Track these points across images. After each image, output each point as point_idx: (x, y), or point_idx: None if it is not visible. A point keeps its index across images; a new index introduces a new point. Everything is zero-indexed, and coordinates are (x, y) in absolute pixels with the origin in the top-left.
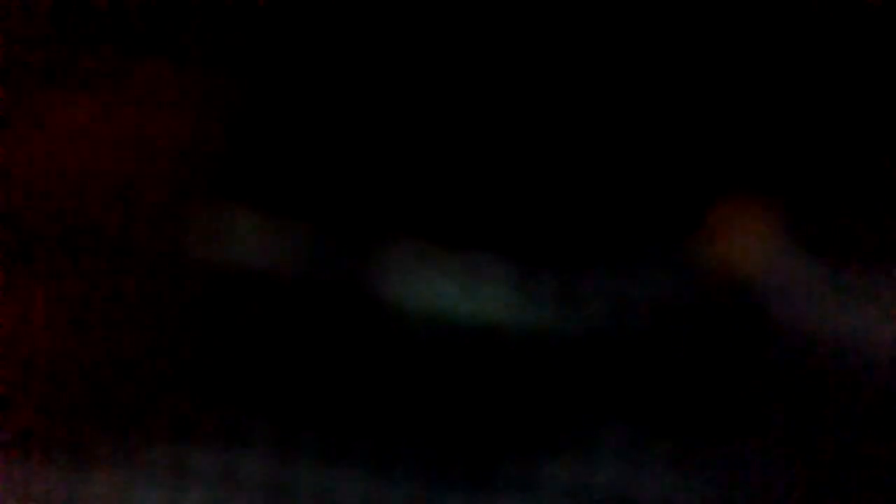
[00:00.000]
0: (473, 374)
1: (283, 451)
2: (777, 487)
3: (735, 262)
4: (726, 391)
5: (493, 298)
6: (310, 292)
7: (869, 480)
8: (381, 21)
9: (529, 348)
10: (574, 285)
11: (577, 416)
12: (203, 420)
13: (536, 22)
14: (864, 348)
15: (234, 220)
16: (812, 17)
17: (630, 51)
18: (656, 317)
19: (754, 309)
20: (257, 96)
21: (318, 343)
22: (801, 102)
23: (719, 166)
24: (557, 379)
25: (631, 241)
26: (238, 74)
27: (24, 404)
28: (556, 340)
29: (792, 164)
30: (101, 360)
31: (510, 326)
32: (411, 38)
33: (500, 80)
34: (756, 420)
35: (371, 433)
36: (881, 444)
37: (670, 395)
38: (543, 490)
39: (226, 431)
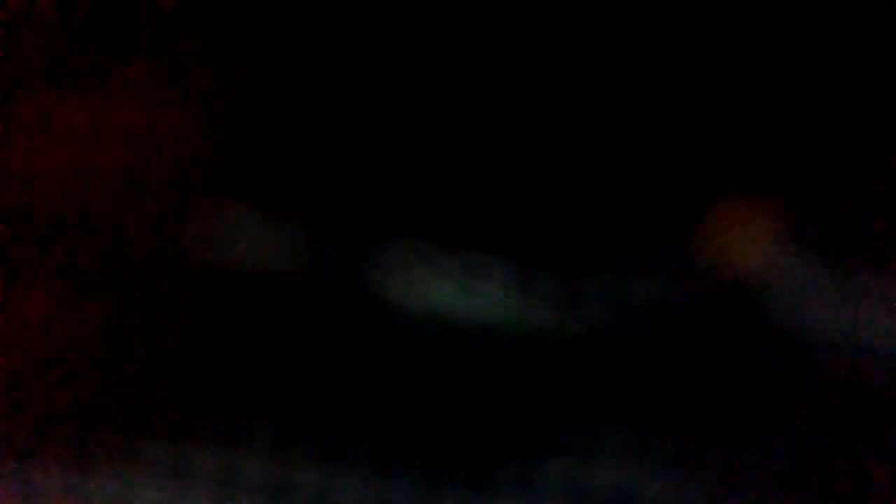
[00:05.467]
0: (473, 375)
1: (283, 451)
2: (777, 487)
3: (735, 262)
4: (726, 391)
5: (493, 298)
6: (310, 292)
7: (869, 480)
8: (380, 21)
9: (529, 348)
10: (574, 286)
11: (577, 416)
12: (203, 420)
13: (536, 22)
14: (864, 348)
15: (234, 220)
16: (812, 16)
17: (630, 51)
18: (656, 317)
19: (754, 309)
20: (257, 96)
21: (318, 343)
22: (801, 102)
23: (719, 166)
24: (557, 379)
25: (631, 241)
26: (238, 74)
27: (25, 404)
28: (555, 340)
29: (792, 163)
30: (102, 359)
31: (510, 326)
32: (411, 38)
33: (501, 81)
34: (756, 420)
35: (371, 433)
36: (881, 444)
37: (670, 396)
38: (543, 490)
39: (226, 431)
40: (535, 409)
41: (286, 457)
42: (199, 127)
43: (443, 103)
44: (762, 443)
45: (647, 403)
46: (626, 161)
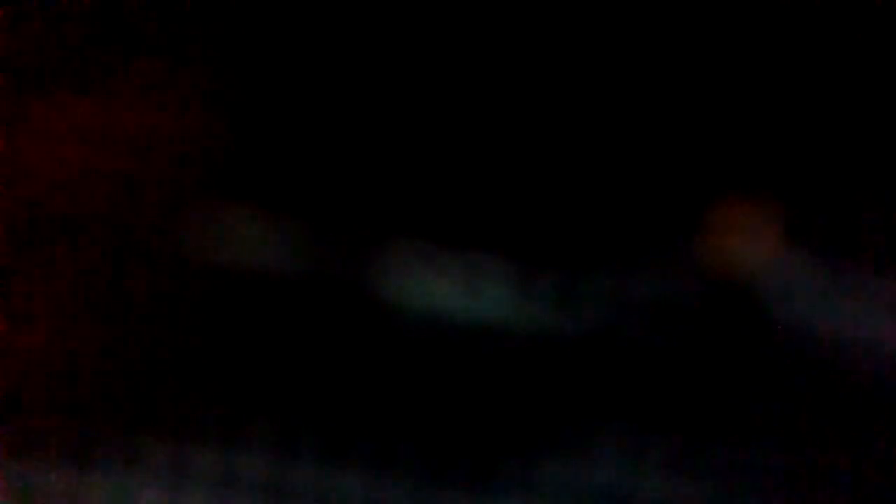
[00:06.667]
0: (473, 374)
1: (283, 451)
2: (777, 487)
3: (735, 262)
4: (726, 391)
5: (493, 298)
6: (310, 292)
7: (869, 480)
8: (381, 20)
9: (529, 348)
10: (574, 285)
11: (577, 416)
12: (203, 420)
13: (536, 22)
14: (864, 348)
15: (235, 220)
16: (812, 16)
17: (630, 51)
18: (656, 317)
19: (754, 309)
20: (257, 96)
21: (318, 343)
22: (800, 102)
23: (720, 166)
24: (557, 379)
25: (631, 241)
26: (238, 73)
27: (25, 404)
28: (556, 340)
29: (792, 163)
30: (102, 359)
31: (510, 326)
32: (411, 38)
33: (501, 81)
34: (756, 420)
35: (371, 433)
36: (881, 444)
37: (670, 395)
38: (543, 490)
39: (226, 431)
40: (535, 408)
41: (286, 457)
42: (199, 127)
43: (443, 104)
44: (762, 442)
45: (646, 403)
46: (626, 161)
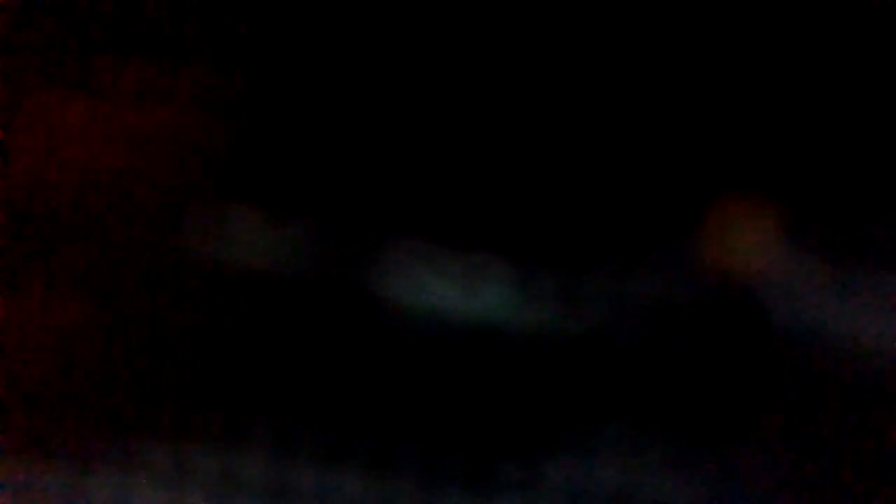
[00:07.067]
0: (473, 374)
1: (283, 451)
2: (777, 488)
3: (735, 262)
4: (726, 391)
5: (493, 298)
6: (310, 292)
7: (869, 480)
8: (381, 20)
9: (529, 348)
10: (574, 285)
11: (577, 416)
12: (203, 420)
13: (536, 21)
14: (865, 348)
15: (234, 220)
16: (812, 16)
17: (630, 50)
18: (656, 317)
19: (755, 309)
20: (258, 95)
21: (318, 343)
22: (801, 102)
23: (720, 166)
24: (557, 379)
25: (631, 241)
26: (238, 73)
27: (25, 405)
28: (556, 340)
29: (792, 164)
30: (101, 359)
31: (510, 326)
32: (411, 38)
33: (501, 80)
34: (756, 420)
35: (371, 433)
36: (881, 444)
37: (670, 396)
38: (543, 490)
39: (226, 431)
40: (535, 408)
41: (286, 457)
42: (199, 127)
43: (443, 104)
44: (762, 443)
45: (646, 403)
46: (626, 161)
